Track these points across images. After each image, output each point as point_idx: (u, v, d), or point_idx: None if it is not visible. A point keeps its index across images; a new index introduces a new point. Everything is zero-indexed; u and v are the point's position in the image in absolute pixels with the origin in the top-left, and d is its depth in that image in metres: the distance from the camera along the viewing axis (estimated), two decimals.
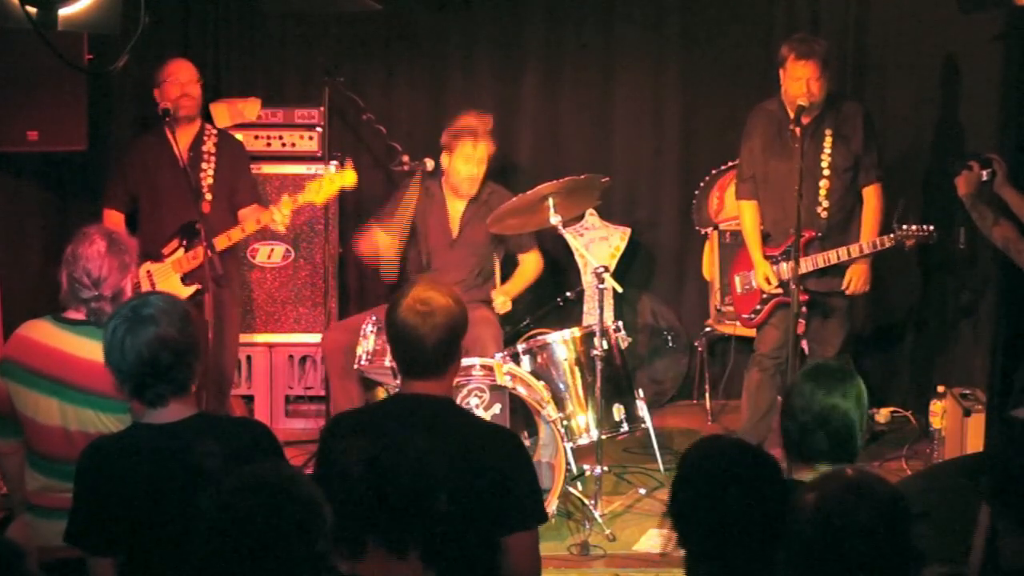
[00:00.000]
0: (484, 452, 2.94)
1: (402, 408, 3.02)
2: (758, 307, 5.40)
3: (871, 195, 5.37)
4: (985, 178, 4.90)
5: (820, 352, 5.37)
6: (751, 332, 5.60)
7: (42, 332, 3.66)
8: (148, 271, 5.28)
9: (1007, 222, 4.85)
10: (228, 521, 2.25)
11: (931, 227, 5.20)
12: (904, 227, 5.19)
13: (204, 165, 5.45)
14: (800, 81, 5.12)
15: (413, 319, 2.95)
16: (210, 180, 5.44)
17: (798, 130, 5.05)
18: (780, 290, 5.31)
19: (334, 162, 5.97)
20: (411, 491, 2.59)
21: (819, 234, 5.26)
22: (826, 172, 5.27)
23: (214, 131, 5.59)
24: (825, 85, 5.17)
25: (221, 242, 5.18)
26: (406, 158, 5.68)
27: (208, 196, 5.38)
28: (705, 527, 2.45)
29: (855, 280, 5.33)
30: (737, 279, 5.51)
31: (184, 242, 5.26)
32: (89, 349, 3.57)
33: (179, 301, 3.06)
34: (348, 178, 5.36)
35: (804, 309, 5.16)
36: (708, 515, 2.44)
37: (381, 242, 5.53)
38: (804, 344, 5.40)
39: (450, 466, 2.83)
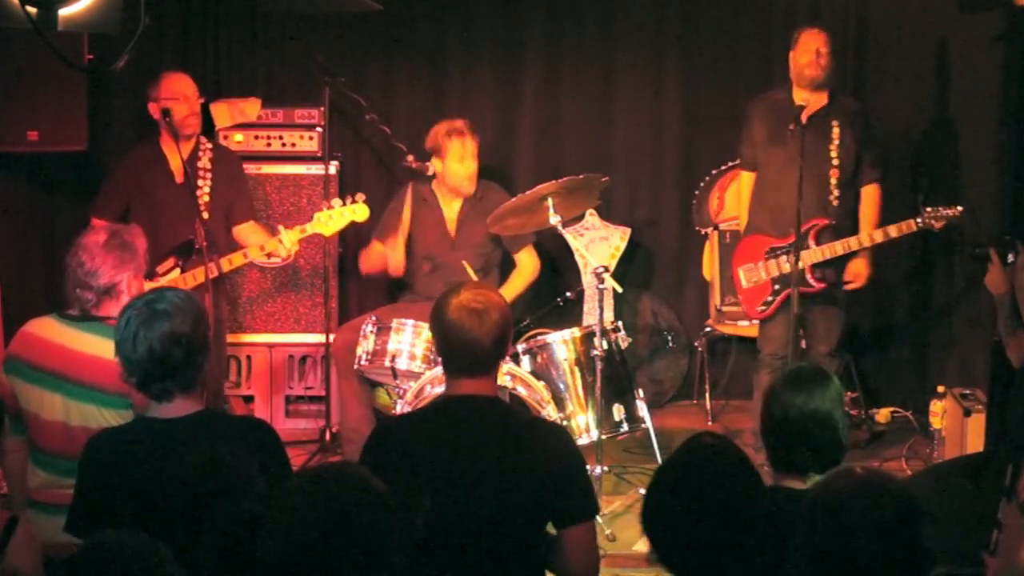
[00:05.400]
0: (537, 450, 2.93)
1: (451, 415, 2.97)
2: (769, 298, 5.32)
3: (870, 194, 5.36)
4: (1012, 260, 4.62)
5: (815, 348, 5.35)
6: (750, 332, 5.56)
7: (46, 328, 3.69)
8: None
9: None
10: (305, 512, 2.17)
11: (959, 207, 5.09)
12: (931, 209, 5.12)
13: (200, 182, 5.35)
14: (810, 51, 5.15)
15: (468, 318, 2.91)
16: (207, 197, 5.34)
17: (793, 125, 5.05)
18: (787, 269, 5.21)
19: (335, 163, 5.97)
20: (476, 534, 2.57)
21: (833, 222, 5.25)
22: (835, 161, 5.27)
23: (209, 145, 5.49)
24: (831, 64, 5.19)
25: (223, 265, 5.16)
26: (411, 157, 5.68)
27: (205, 214, 5.22)
28: (682, 544, 2.40)
29: (857, 277, 5.32)
30: (741, 272, 5.38)
31: (180, 262, 5.13)
32: (92, 344, 3.59)
33: (194, 299, 3.05)
34: (360, 213, 5.32)
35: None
36: (684, 531, 2.40)
37: (391, 259, 5.56)
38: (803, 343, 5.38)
39: (504, 468, 2.85)
